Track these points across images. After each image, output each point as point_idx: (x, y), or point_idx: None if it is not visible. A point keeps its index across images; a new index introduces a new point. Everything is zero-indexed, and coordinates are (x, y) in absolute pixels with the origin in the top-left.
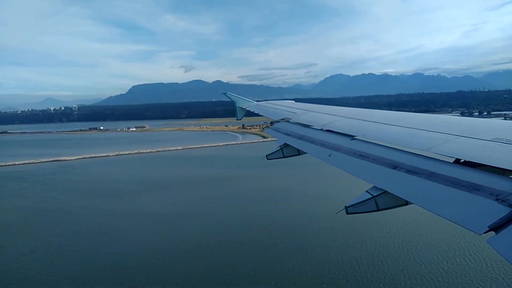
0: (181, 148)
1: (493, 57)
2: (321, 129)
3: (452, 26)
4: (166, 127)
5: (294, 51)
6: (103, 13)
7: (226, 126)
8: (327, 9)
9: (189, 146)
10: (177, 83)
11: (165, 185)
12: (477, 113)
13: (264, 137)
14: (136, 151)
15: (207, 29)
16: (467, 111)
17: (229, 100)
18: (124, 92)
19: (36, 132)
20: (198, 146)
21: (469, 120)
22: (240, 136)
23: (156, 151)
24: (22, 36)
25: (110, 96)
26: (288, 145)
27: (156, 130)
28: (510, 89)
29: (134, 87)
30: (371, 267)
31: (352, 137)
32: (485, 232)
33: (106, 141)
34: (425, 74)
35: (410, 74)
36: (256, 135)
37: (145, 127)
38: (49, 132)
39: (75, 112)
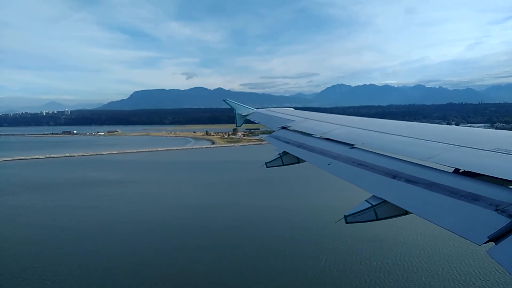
0: (115, 152)
1: (496, 70)
2: (321, 137)
3: (456, 39)
4: (135, 132)
5: (297, 61)
6: (109, 19)
7: (194, 132)
8: (331, 19)
9: (125, 151)
10: (179, 90)
11: (37, 187)
12: (445, 124)
13: (214, 142)
14: (67, 154)
15: (212, 37)
16: (437, 122)
17: (228, 107)
18: (125, 98)
19: (8, 135)
20: (135, 151)
21: (468, 130)
22: (193, 141)
23: (88, 155)
24: (28, 39)
25: (111, 101)
26: (287, 153)
27: (123, 135)
28: (500, 103)
29: (135, 92)
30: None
31: (351, 145)
32: (484, 243)
33: (57, 144)
34: (426, 86)
35: (412, 86)
36: (208, 141)
37: (117, 131)
38: (21, 134)
39: (63, 116)
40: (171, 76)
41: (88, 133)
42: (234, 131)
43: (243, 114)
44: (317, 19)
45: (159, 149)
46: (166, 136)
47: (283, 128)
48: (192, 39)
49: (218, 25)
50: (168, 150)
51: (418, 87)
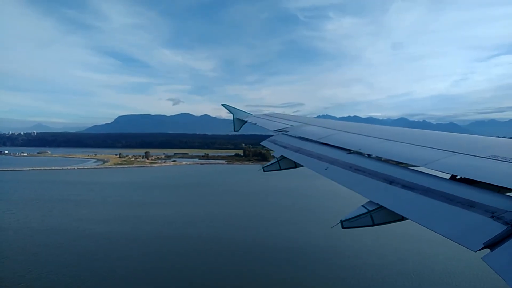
0: None
1: (480, 106)
2: (318, 142)
3: (441, 74)
4: (65, 154)
5: (286, 90)
6: (101, 45)
7: (116, 155)
8: (320, 52)
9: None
10: (164, 115)
11: None
12: None
13: (104, 162)
14: None
15: (203, 65)
16: None
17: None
18: (110, 122)
19: None
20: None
21: (465, 137)
22: (91, 162)
23: None
24: (18, 61)
25: (95, 125)
26: (285, 157)
27: (43, 156)
28: None
29: (120, 117)
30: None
31: (349, 151)
32: (480, 249)
33: None
34: (409, 120)
35: (395, 118)
36: (100, 161)
37: (47, 152)
38: None
39: (21, 138)
40: (158, 101)
41: (12, 154)
42: (146, 154)
43: (241, 118)
44: (306, 52)
45: (24, 169)
46: (83, 158)
47: (281, 132)
48: (184, 67)
49: (210, 54)
50: (34, 169)
51: (401, 120)
